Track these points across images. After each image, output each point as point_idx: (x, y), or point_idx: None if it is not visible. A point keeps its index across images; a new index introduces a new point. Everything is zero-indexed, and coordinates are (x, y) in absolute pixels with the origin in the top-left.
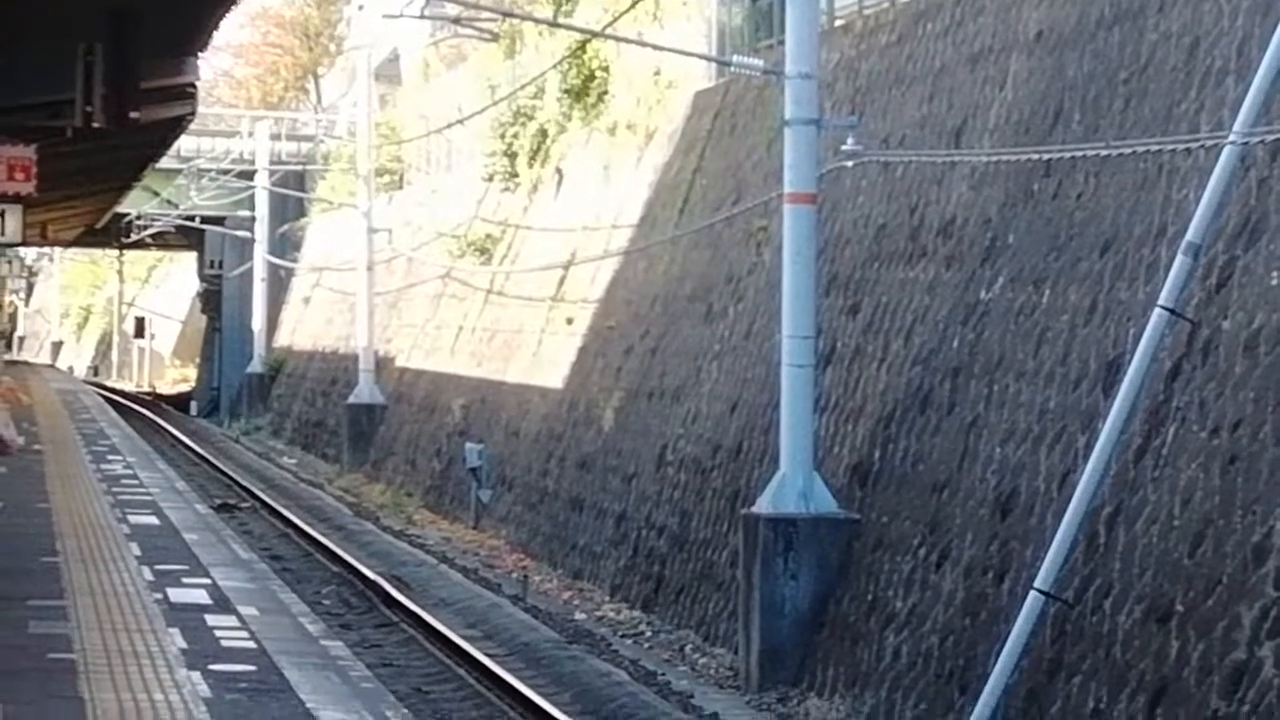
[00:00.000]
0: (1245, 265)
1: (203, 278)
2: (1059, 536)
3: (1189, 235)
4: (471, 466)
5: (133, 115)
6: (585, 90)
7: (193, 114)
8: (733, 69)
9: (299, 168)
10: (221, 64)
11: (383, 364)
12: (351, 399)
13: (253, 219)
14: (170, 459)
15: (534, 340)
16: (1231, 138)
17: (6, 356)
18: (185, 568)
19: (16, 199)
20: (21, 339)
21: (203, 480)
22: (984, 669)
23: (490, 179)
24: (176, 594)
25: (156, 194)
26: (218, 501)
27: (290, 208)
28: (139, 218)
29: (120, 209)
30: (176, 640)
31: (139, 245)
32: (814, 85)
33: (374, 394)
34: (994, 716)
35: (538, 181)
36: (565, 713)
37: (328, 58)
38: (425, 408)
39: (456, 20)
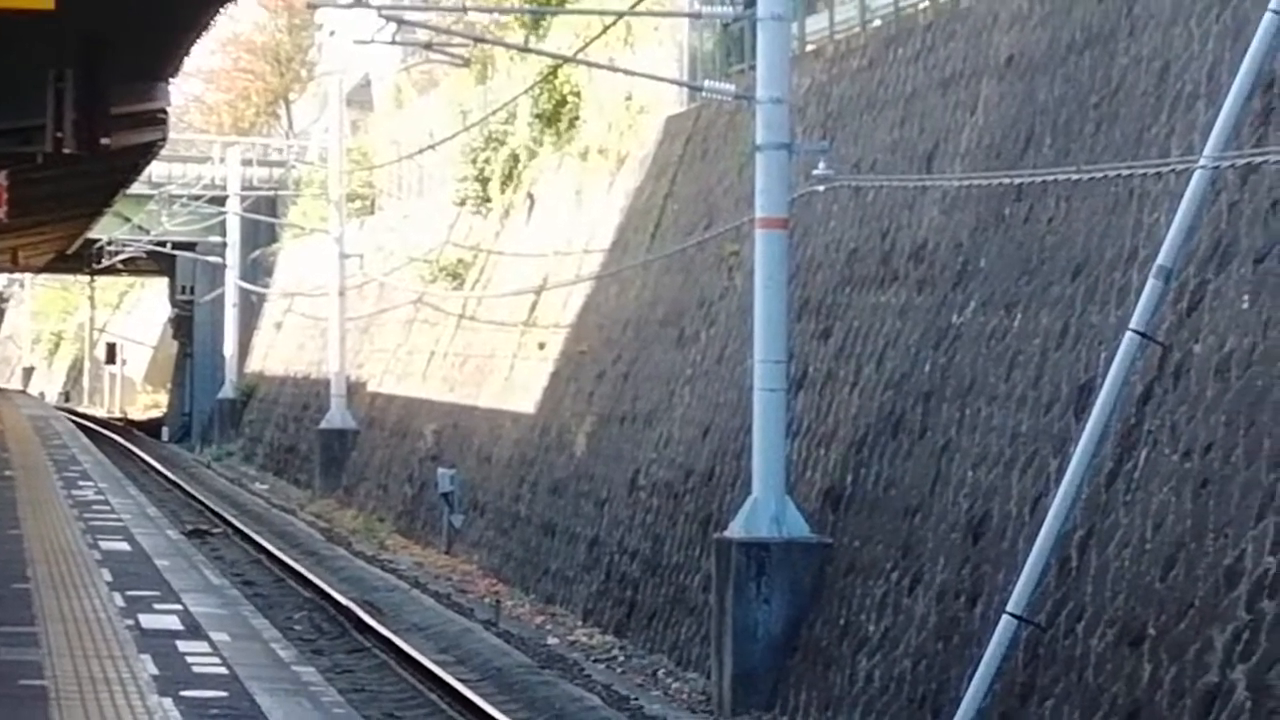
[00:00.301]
0: (1216, 289)
1: (174, 303)
2: (1031, 560)
3: (1160, 259)
4: (444, 491)
5: (103, 141)
6: (557, 115)
7: (164, 140)
8: (704, 94)
9: (271, 193)
10: (193, 89)
11: (355, 389)
12: (324, 424)
13: (224, 244)
14: (142, 484)
15: (506, 365)
16: (1202, 162)
17: None
18: (157, 593)
19: None
20: None
21: (174, 506)
22: (957, 693)
23: (462, 204)
24: (148, 620)
25: (128, 220)
26: (189, 527)
27: (262, 233)
28: (110, 243)
29: (91, 235)
30: (148, 666)
31: (110, 271)
32: (785, 110)
33: (346, 419)
34: None
35: (509, 206)
36: None
37: (299, 83)
38: (397, 433)
39: (428, 46)
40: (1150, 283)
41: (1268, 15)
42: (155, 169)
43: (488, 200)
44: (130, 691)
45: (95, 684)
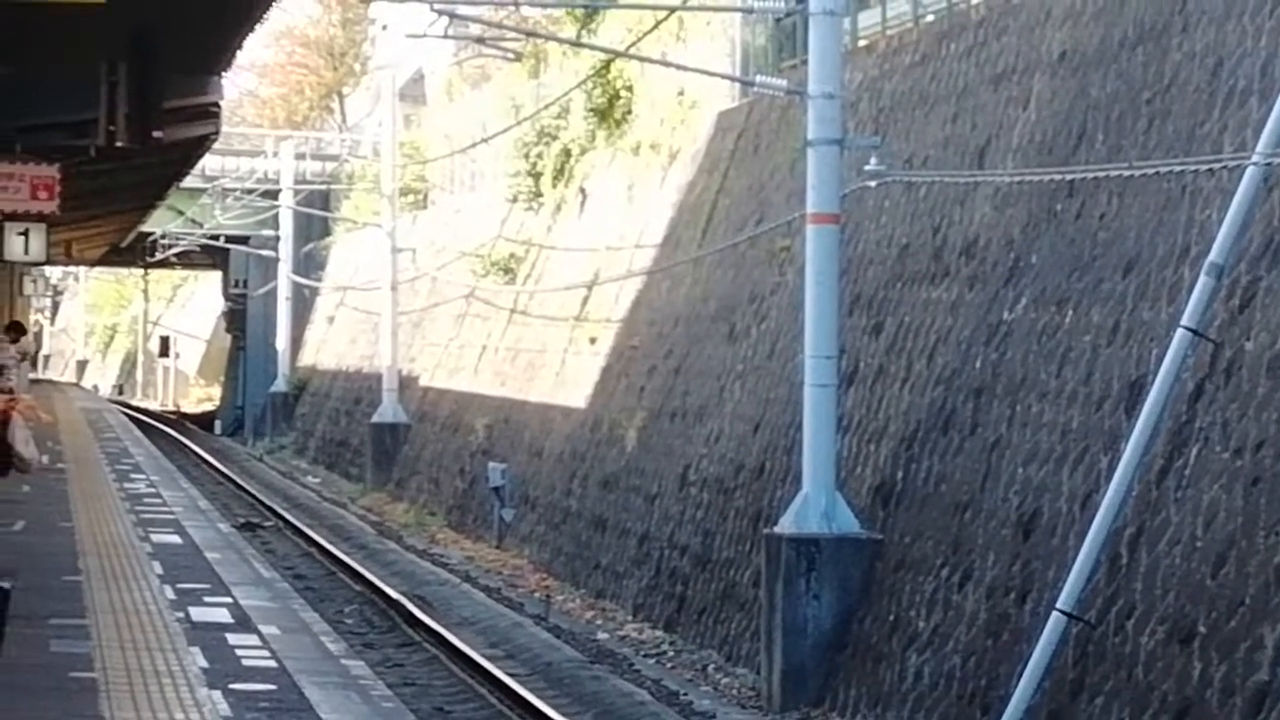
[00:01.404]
0: (1268, 286)
1: (227, 297)
2: (1081, 557)
3: (1212, 256)
4: (494, 486)
5: (156, 134)
6: (609, 110)
7: (216, 133)
8: (756, 89)
9: (323, 187)
10: (246, 83)
11: (406, 383)
12: (375, 418)
13: (277, 238)
14: (193, 478)
15: (557, 360)
16: (1255, 158)
17: (32, 375)
18: (207, 586)
19: (40, 218)
20: (47, 357)
21: (226, 499)
22: (1006, 689)
23: (514, 199)
24: (198, 613)
25: (181, 213)
26: (241, 520)
27: (315, 227)
28: (164, 237)
29: (145, 228)
30: (197, 659)
31: (164, 264)
32: (837, 105)
33: (397, 413)
34: None
35: (561, 201)
36: None
37: (352, 77)
38: (449, 427)
39: (480, 40)
40: (1202, 279)
41: None
42: (208, 162)
43: (540, 195)
44: (180, 684)
45: (145, 676)
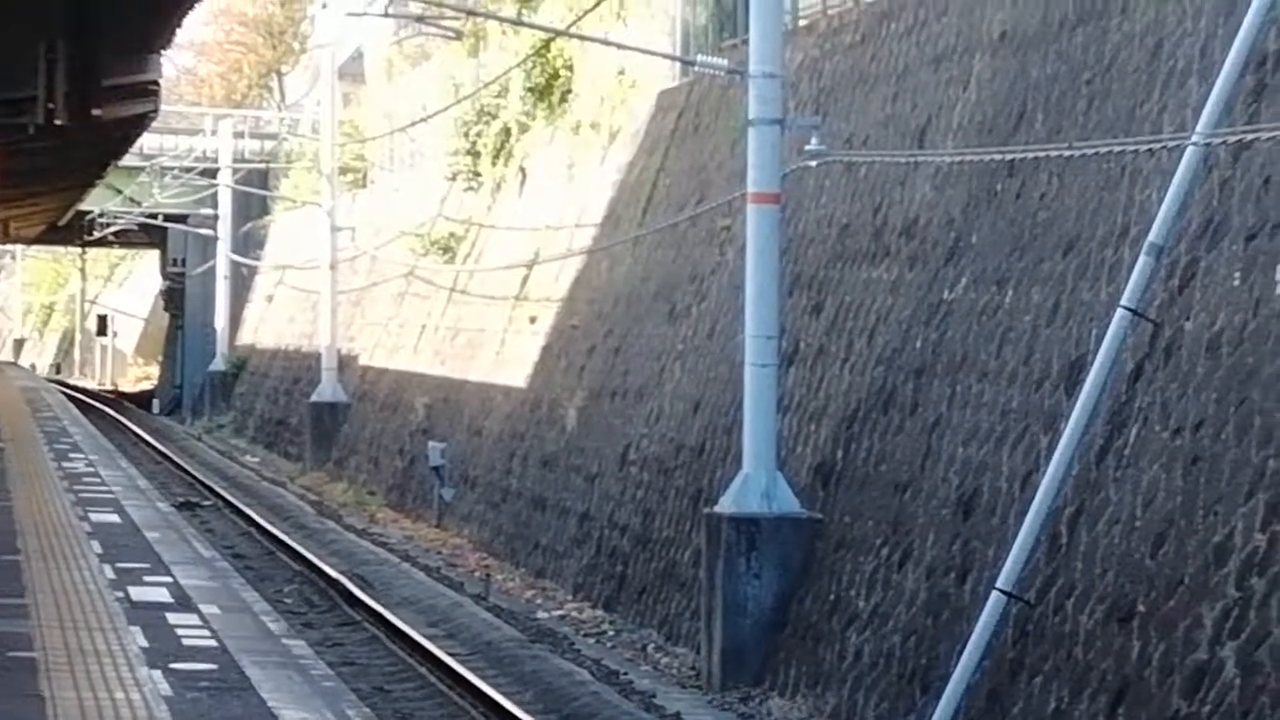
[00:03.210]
0: (1208, 266)
1: (165, 276)
2: (1021, 536)
3: (1151, 236)
4: (434, 465)
5: (95, 112)
6: (549, 89)
7: (155, 111)
8: (697, 68)
9: (262, 166)
10: (184, 61)
11: (346, 362)
12: (314, 397)
13: (216, 217)
14: (132, 457)
15: (497, 339)
16: (1194, 139)
17: None
18: (146, 566)
19: None
20: None
21: (165, 478)
22: (946, 669)
23: (454, 178)
24: (138, 592)
25: (119, 192)
26: (180, 499)
27: (253, 206)
28: (102, 215)
29: (83, 206)
30: (137, 638)
31: (101, 243)
32: (778, 85)
33: (337, 392)
34: (956, 716)
35: (501, 180)
36: (527, 712)
37: (291, 56)
38: (388, 406)
39: (420, 19)
40: (1142, 259)
41: None
42: (147, 141)
43: (479, 174)
44: (120, 663)
45: (85, 656)
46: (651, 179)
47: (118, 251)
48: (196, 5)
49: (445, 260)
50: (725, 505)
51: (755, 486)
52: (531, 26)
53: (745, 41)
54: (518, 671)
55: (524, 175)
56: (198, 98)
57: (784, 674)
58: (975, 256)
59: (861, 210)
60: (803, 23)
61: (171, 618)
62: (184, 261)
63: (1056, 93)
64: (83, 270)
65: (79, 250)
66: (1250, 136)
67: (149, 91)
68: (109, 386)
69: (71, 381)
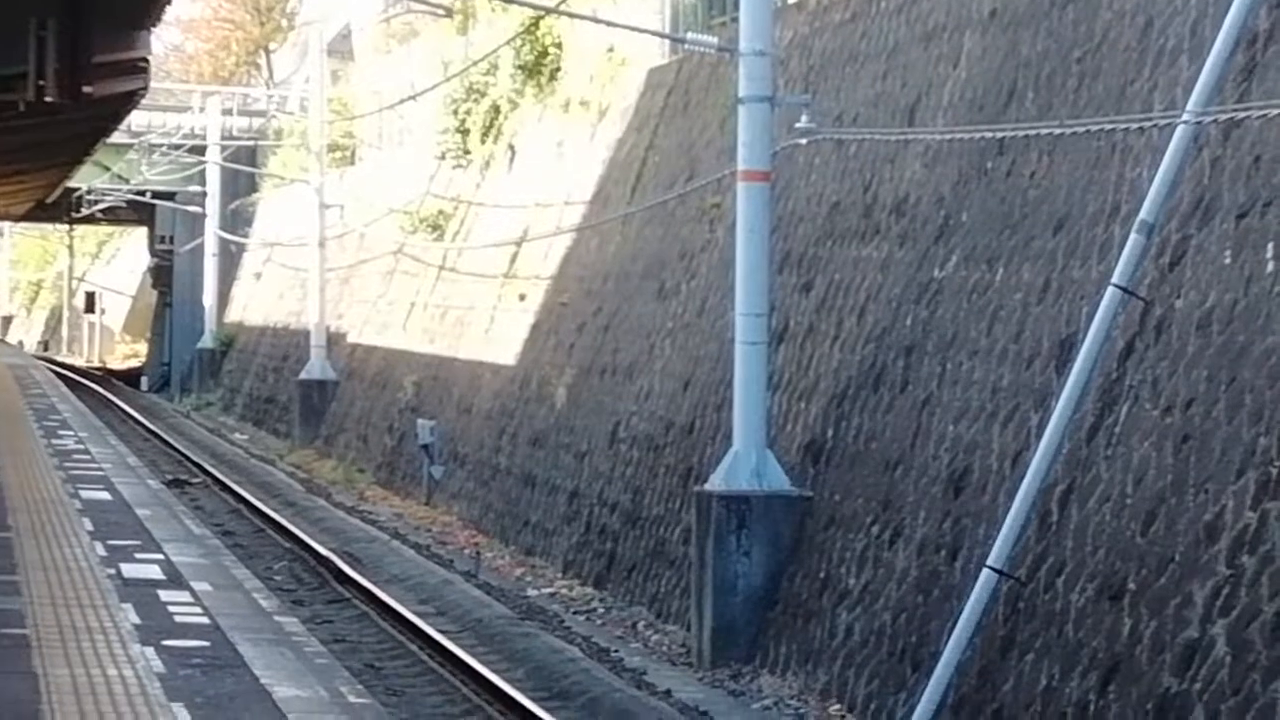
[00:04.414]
0: (1198, 244)
1: (154, 253)
2: (1011, 514)
3: (1142, 214)
4: (423, 443)
5: (85, 90)
6: (538, 67)
7: (145, 89)
8: (687, 46)
9: (251, 143)
10: (172, 39)
11: (334, 340)
12: (303, 375)
13: (204, 194)
14: (122, 434)
15: (486, 317)
16: (1185, 117)
17: None
18: (138, 543)
19: None
20: None
21: (154, 456)
22: (937, 646)
23: (443, 155)
24: (129, 569)
25: (108, 169)
26: (169, 477)
27: (242, 183)
28: (90, 193)
29: (71, 184)
30: (130, 616)
31: (90, 220)
32: (768, 62)
33: (325, 370)
34: (946, 694)
35: (490, 158)
36: (518, 689)
37: (280, 33)
38: (377, 384)
39: None
40: (1132, 237)
41: None
42: (135, 118)
43: (468, 152)
44: (112, 640)
45: (77, 633)
46: (641, 156)
47: (106, 229)
48: None
49: (434, 238)
50: (715, 483)
51: (745, 464)
52: (521, 3)
53: (735, 19)
54: (508, 649)
55: (513, 153)
56: (186, 75)
57: (774, 651)
58: (965, 234)
59: (852, 188)
60: (792, 0)
61: (163, 595)
62: (172, 239)
63: (1047, 70)
64: (70, 247)
65: (67, 227)
66: (1241, 115)
67: (139, 69)
68: (97, 364)
69: (59, 359)
